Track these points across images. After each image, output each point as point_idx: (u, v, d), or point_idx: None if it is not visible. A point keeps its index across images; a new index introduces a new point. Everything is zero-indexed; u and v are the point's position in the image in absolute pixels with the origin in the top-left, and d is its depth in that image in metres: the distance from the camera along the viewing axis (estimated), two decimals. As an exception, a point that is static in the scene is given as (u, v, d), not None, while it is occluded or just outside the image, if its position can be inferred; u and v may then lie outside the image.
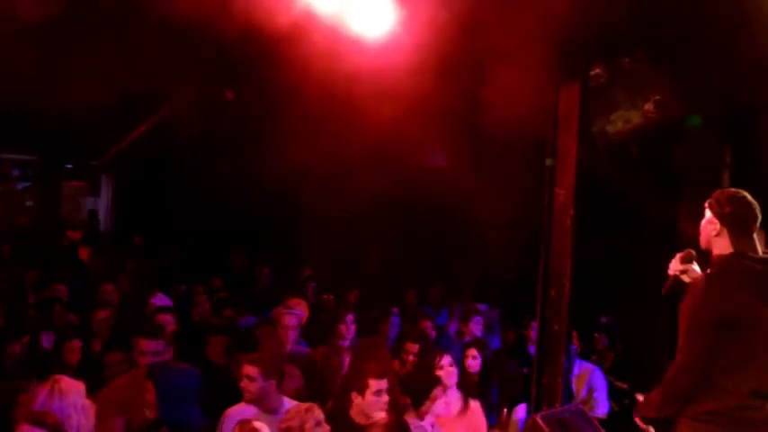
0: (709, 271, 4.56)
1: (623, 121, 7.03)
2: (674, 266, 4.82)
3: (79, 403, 4.89)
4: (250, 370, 5.62)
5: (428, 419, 6.09)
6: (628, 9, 6.25)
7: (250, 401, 5.62)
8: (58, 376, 5.08)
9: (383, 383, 5.67)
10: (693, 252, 4.77)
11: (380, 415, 5.65)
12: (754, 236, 4.55)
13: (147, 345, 6.01)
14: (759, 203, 4.60)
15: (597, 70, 6.81)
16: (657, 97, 7.03)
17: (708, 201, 4.65)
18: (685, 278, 4.78)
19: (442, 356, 6.62)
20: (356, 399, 5.67)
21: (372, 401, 5.62)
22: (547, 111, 6.86)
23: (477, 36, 6.92)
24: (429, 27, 6.97)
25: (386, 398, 5.68)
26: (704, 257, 4.73)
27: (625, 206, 9.27)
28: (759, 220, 4.56)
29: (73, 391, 4.92)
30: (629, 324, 9.35)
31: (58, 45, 8.88)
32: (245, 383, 5.62)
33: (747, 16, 6.25)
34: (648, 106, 7.07)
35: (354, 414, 5.70)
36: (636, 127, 7.02)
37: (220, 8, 7.11)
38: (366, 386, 5.63)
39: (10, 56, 8.40)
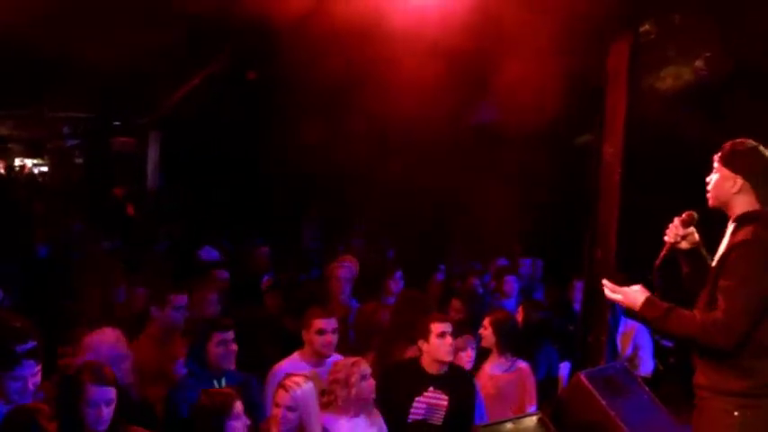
0: (755, 226, 4.21)
1: (673, 77, 6.97)
2: (674, 231, 4.44)
3: (120, 352, 5.07)
4: (327, 324, 5.72)
5: None
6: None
7: (327, 354, 5.73)
8: (98, 327, 5.24)
9: (446, 326, 5.69)
10: (695, 214, 4.43)
11: (448, 359, 5.71)
12: None
13: (178, 299, 6.14)
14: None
15: (647, 26, 6.71)
16: (708, 54, 6.94)
17: (719, 155, 4.34)
18: (684, 245, 4.46)
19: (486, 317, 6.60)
20: (423, 345, 5.70)
21: (438, 344, 5.64)
22: (596, 67, 6.77)
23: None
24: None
25: (450, 340, 5.68)
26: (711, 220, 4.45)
27: (672, 162, 9.15)
28: None
29: (111, 339, 5.09)
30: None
31: (104, 4, 8.94)
32: (323, 338, 5.70)
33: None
34: (699, 63, 6.99)
35: (426, 363, 5.74)
36: (686, 83, 6.95)
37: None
38: (429, 330, 5.66)
39: (58, 14, 8.46)
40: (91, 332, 5.24)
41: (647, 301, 4.32)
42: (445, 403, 5.66)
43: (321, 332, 5.69)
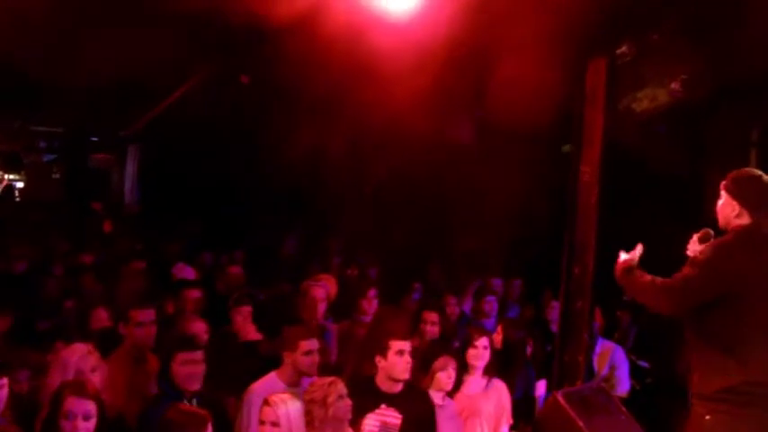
0: (723, 237, 4.64)
1: (650, 99, 7.01)
2: (693, 248, 4.80)
3: (90, 365, 5.00)
4: (313, 344, 5.70)
5: (437, 393, 6.00)
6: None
7: (312, 374, 5.67)
8: (61, 343, 5.17)
9: (405, 344, 5.62)
10: (711, 232, 4.77)
11: (404, 377, 5.64)
12: None
13: (140, 315, 5.93)
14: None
15: (624, 48, 6.74)
16: (684, 76, 6.99)
17: (724, 183, 4.71)
18: None
19: (480, 336, 6.45)
20: (380, 362, 5.64)
21: (395, 362, 5.58)
22: (573, 88, 6.80)
23: (502, 12, 6.89)
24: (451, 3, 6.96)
25: (408, 359, 5.62)
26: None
27: (651, 183, 9.21)
28: None
29: (81, 352, 5.04)
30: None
31: (83, 18, 8.91)
32: (310, 359, 5.67)
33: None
34: (675, 84, 7.04)
35: (380, 380, 5.68)
36: (662, 105, 7.00)
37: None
38: (387, 347, 5.60)
39: (37, 29, 8.44)
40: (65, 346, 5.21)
41: (618, 263, 4.86)
42: (398, 422, 5.58)
43: (308, 353, 5.65)
